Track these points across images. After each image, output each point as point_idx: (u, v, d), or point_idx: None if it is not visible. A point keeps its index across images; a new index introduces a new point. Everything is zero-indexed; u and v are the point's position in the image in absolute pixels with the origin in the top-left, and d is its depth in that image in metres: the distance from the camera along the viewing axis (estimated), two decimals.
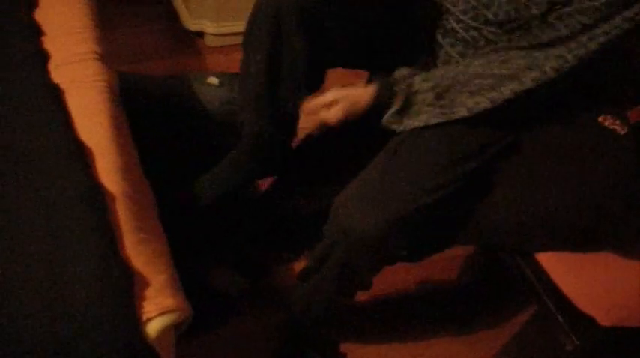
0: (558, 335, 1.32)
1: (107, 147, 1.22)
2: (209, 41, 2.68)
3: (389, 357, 1.78)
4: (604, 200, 1.32)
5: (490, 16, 1.32)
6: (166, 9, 2.83)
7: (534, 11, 1.25)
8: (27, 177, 1.11)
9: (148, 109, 1.92)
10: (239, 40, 2.61)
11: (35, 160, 1.14)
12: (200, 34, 2.70)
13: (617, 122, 1.39)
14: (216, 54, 2.67)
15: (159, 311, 1.04)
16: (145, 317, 1.02)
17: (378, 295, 1.86)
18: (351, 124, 1.48)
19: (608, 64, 1.40)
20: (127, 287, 1.02)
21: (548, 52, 1.24)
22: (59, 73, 1.35)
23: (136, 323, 1.00)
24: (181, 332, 1.15)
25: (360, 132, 1.56)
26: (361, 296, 1.76)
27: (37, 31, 1.43)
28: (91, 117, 1.27)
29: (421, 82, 1.36)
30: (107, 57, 1.49)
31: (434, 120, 1.35)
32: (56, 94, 1.27)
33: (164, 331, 1.05)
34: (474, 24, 1.35)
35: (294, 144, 1.84)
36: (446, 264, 1.98)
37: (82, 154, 1.17)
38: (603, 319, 1.28)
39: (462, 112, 1.32)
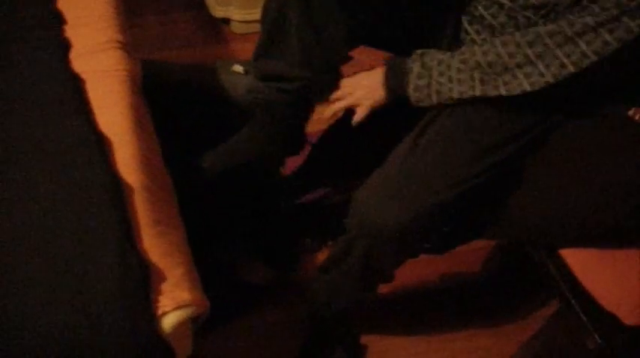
0: (581, 333, 1.30)
1: (127, 138, 1.22)
2: (235, 28, 2.67)
3: (410, 350, 1.77)
4: (633, 195, 1.29)
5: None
6: None
7: None
8: (44, 169, 1.12)
9: (172, 98, 1.92)
10: None
11: (53, 152, 1.14)
12: (226, 21, 2.70)
13: None
14: (242, 41, 2.66)
15: (175, 305, 1.03)
16: (160, 311, 1.02)
17: (400, 287, 1.84)
18: (375, 113, 1.47)
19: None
20: (143, 281, 1.02)
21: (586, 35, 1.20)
22: (80, 62, 1.35)
23: (152, 317, 1.00)
24: (204, 323, 1.15)
25: (385, 122, 1.54)
26: (383, 289, 1.74)
27: (58, 20, 1.43)
28: (112, 107, 1.26)
29: (438, 53, 1.35)
30: (131, 45, 1.49)
31: (468, 93, 1.31)
32: (76, 84, 1.27)
33: (180, 325, 1.04)
34: (512, 5, 1.30)
35: (318, 134, 1.83)
36: (469, 256, 1.95)
37: (101, 145, 1.17)
38: (627, 318, 1.26)
39: (499, 91, 1.28)
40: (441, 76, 1.33)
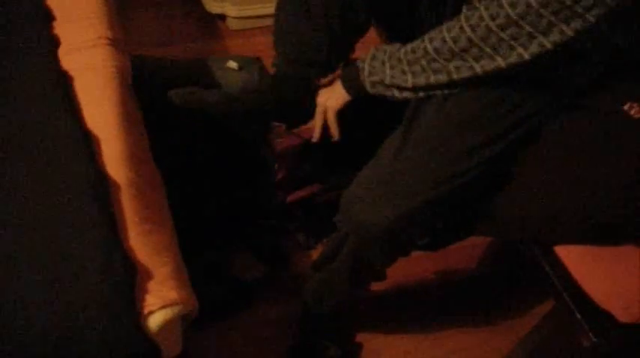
0: (575, 331, 1.29)
1: (114, 135, 1.21)
2: (231, 24, 2.67)
3: (404, 348, 1.76)
4: (628, 192, 1.28)
5: None
6: None
7: None
8: (29, 166, 1.11)
9: (164, 93, 1.90)
10: (261, 23, 2.63)
11: (39, 149, 1.13)
12: (222, 17, 2.69)
13: None
14: (238, 37, 2.66)
15: (161, 303, 1.02)
16: (146, 310, 1.01)
17: (394, 285, 1.83)
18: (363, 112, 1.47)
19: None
20: (128, 279, 1.01)
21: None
22: (69, 59, 1.33)
23: (137, 316, 0.99)
24: (195, 320, 1.14)
25: (374, 116, 1.54)
26: (378, 286, 1.74)
27: (47, 17, 1.42)
28: (99, 104, 1.25)
29: (389, 47, 1.35)
30: (121, 42, 1.47)
31: (425, 82, 1.29)
32: (63, 81, 1.26)
33: (167, 324, 1.03)
34: None
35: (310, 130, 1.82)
36: (464, 253, 1.95)
37: (87, 143, 1.15)
38: (622, 316, 1.25)
39: (451, 76, 1.26)
40: (393, 69, 1.32)
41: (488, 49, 1.18)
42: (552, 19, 1.10)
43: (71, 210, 1.05)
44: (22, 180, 1.09)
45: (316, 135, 1.54)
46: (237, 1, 2.59)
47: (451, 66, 1.23)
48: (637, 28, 1.26)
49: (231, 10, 2.62)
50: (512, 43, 1.15)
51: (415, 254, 1.49)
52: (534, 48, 1.14)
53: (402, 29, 1.48)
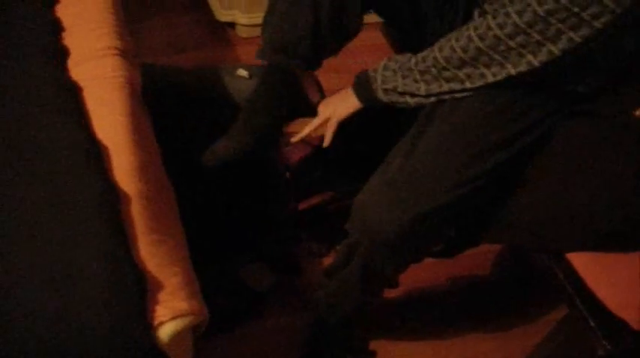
0: (590, 339, 1.27)
1: (124, 146, 1.21)
2: (240, 32, 2.67)
3: (419, 355, 1.75)
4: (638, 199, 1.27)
5: None
6: (198, 0, 2.83)
7: None
8: (39, 177, 1.10)
9: (174, 102, 1.91)
10: None
11: (49, 160, 1.13)
12: (232, 25, 2.69)
13: None
14: (248, 44, 2.66)
15: (172, 314, 1.02)
16: (157, 321, 1.00)
17: (407, 292, 1.83)
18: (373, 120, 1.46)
19: None
20: (138, 291, 1.00)
21: None
22: (78, 69, 1.34)
23: (147, 327, 0.98)
24: (207, 329, 1.14)
25: (384, 124, 1.53)
26: (391, 293, 1.74)
27: (57, 28, 1.42)
28: (109, 114, 1.25)
29: (401, 57, 1.36)
30: (131, 51, 1.48)
31: (437, 89, 1.31)
32: (73, 92, 1.26)
33: (178, 334, 1.03)
34: None
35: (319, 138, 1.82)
36: (477, 259, 1.94)
37: (97, 153, 1.15)
38: (636, 323, 1.24)
39: (464, 85, 1.28)
40: (405, 78, 1.33)
41: (497, 57, 1.18)
42: (560, 26, 1.10)
43: (81, 221, 1.05)
44: (31, 190, 1.09)
45: (327, 143, 1.54)
46: (246, 9, 2.59)
47: (462, 74, 1.24)
48: None
49: (240, 18, 2.63)
50: (521, 50, 1.16)
51: (427, 260, 1.49)
52: (543, 55, 1.15)
53: (412, 39, 1.48)
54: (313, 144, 1.92)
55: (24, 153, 1.14)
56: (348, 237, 1.42)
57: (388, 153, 1.39)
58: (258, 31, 2.63)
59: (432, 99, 1.33)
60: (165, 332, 1.01)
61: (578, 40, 1.11)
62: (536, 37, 1.13)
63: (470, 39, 1.20)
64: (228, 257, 1.83)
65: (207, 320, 1.11)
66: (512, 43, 1.16)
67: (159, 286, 1.04)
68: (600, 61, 1.26)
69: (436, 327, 1.81)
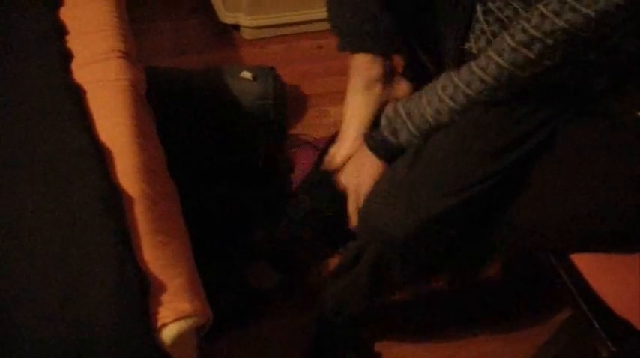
0: (594, 340, 1.27)
1: (127, 148, 1.21)
2: (245, 34, 2.67)
3: (424, 355, 1.75)
4: None
5: None
6: (202, 2, 2.83)
7: None
8: (44, 179, 1.11)
9: (179, 104, 1.92)
10: (274, 32, 2.64)
11: (52, 162, 1.14)
12: (236, 27, 2.70)
13: None
14: (252, 47, 2.67)
15: (175, 316, 1.02)
16: (160, 323, 1.01)
17: (412, 292, 1.83)
18: None
19: None
20: (141, 292, 1.01)
21: None
22: (82, 72, 1.35)
23: (150, 329, 0.99)
24: (211, 329, 1.14)
25: None
26: (396, 296, 1.74)
27: (60, 31, 1.43)
28: (112, 117, 1.26)
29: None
30: (134, 54, 1.48)
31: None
32: (77, 95, 1.27)
33: (181, 336, 1.03)
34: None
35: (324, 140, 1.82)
36: None
37: (100, 156, 1.16)
38: None
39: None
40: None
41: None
42: None
43: (84, 223, 1.05)
44: (35, 192, 1.09)
45: (354, 223, 1.42)
46: (250, 11, 2.60)
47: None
48: None
49: (244, 20, 2.63)
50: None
51: None
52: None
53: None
54: (318, 147, 1.93)
55: (28, 156, 1.15)
56: (357, 240, 1.42)
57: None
58: (262, 33, 2.66)
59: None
60: (169, 333, 1.01)
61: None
62: None
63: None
64: (232, 256, 1.84)
65: (211, 321, 1.11)
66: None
67: (162, 287, 1.05)
68: (604, 60, 1.26)
69: (441, 328, 1.81)
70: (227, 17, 2.66)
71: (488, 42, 1.34)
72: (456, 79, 1.24)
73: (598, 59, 1.25)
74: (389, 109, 1.35)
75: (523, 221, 1.34)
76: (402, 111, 1.32)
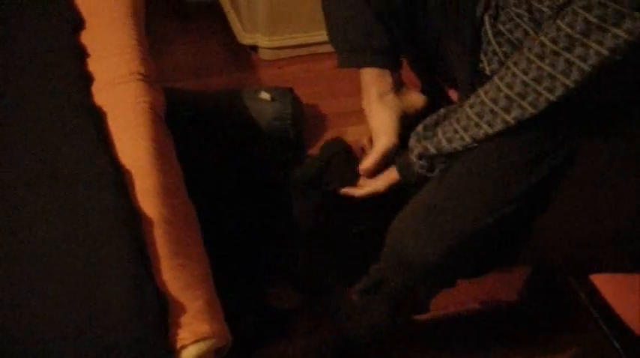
0: None
1: (147, 170, 1.22)
2: (263, 55, 2.69)
3: None
4: None
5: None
6: (222, 23, 2.85)
7: None
8: (64, 201, 1.12)
9: (197, 126, 1.93)
10: (293, 53, 2.66)
11: (72, 184, 1.15)
12: (254, 48, 2.71)
13: None
14: (271, 67, 2.68)
15: (194, 338, 1.02)
16: (179, 345, 1.01)
17: (433, 314, 1.81)
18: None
19: None
20: (160, 314, 1.01)
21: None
22: (102, 95, 1.36)
23: (169, 351, 0.99)
24: (232, 350, 1.14)
25: None
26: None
27: (81, 53, 1.45)
28: (132, 139, 1.27)
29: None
30: (154, 76, 1.50)
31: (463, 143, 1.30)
32: (96, 117, 1.28)
33: None
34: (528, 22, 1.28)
35: None
36: (503, 281, 1.92)
37: (120, 177, 1.17)
38: None
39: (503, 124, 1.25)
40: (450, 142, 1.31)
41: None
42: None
43: (104, 245, 1.06)
44: (55, 214, 1.10)
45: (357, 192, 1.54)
46: (268, 32, 2.61)
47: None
48: None
49: (262, 41, 2.65)
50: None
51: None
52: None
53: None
54: None
55: (48, 178, 1.16)
56: (381, 263, 1.42)
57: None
58: (280, 54, 2.67)
59: None
60: (188, 355, 1.01)
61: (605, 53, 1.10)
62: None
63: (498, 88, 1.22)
64: (252, 278, 1.84)
65: (230, 343, 1.11)
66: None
67: (181, 309, 1.05)
68: (622, 77, 1.26)
69: (461, 349, 1.80)
70: (245, 38, 2.68)
71: (501, 63, 1.34)
72: (491, 104, 1.24)
73: (617, 74, 1.24)
74: (414, 143, 1.36)
75: (544, 240, 1.34)
76: (432, 149, 1.33)
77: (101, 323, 0.98)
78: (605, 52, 1.08)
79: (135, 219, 1.11)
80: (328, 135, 2.34)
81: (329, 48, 2.58)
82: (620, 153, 1.32)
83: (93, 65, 1.43)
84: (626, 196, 1.27)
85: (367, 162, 1.46)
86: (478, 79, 1.37)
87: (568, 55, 1.12)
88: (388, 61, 1.47)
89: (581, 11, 1.08)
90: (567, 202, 1.32)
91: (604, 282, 1.32)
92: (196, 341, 1.03)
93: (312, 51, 2.68)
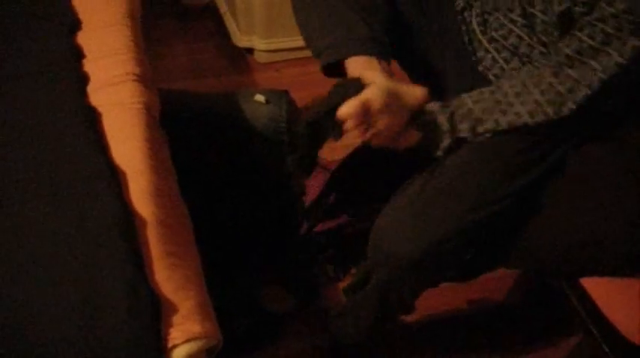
0: None
1: (141, 171, 1.22)
2: (259, 57, 2.70)
3: None
4: None
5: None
6: (218, 26, 2.86)
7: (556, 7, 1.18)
8: (57, 201, 1.12)
9: (192, 127, 1.93)
10: (289, 55, 2.67)
11: (66, 184, 1.15)
12: (250, 51, 2.72)
13: None
14: (266, 70, 2.69)
15: (185, 337, 1.02)
16: (170, 344, 1.01)
17: (422, 316, 1.82)
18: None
19: None
20: (153, 314, 1.01)
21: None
22: (97, 95, 1.36)
23: (161, 350, 0.99)
24: (224, 353, 1.14)
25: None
26: (406, 318, 1.74)
27: (77, 54, 1.45)
28: (126, 140, 1.27)
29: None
30: (149, 77, 1.50)
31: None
32: (91, 118, 1.28)
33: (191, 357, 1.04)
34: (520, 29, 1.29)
35: (337, 162, 1.83)
36: (492, 285, 1.93)
37: (113, 178, 1.17)
38: None
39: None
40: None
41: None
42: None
43: (98, 245, 1.06)
44: (49, 214, 1.11)
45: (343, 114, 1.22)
46: (265, 35, 2.62)
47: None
48: None
49: (259, 44, 2.66)
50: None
51: (443, 285, 1.49)
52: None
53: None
54: (331, 170, 1.94)
55: (42, 178, 1.16)
56: (367, 260, 1.42)
57: (404, 176, 1.39)
58: (276, 57, 2.68)
59: None
60: (179, 355, 1.01)
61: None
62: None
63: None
64: (245, 280, 1.85)
65: (222, 343, 1.11)
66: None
67: (173, 309, 1.05)
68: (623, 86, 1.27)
69: (451, 352, 1.81)
70: (242, 41, 2.69)
71: (502, 69, 1.35)
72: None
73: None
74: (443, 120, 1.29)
75: (533, 244, 1.35)
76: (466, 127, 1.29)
77: (96, 323, 0.98)
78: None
79: (128, 218, 1.12)
80: None
81: None
82: (613, 159, 1.33)
83: (89, 66, 1.43)
84: (617, 201, 1.28)
85: (347, 105, 1.19)
86: (479, 82, 1.36)
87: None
88: (375, 48, 1.30)
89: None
90: (558, 206, 1.33)
91: (594, 286, 1.32)
92: (187, 341, 1.03)
93: (308, 54, 2.66)
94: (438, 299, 1.82)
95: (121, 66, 1.43)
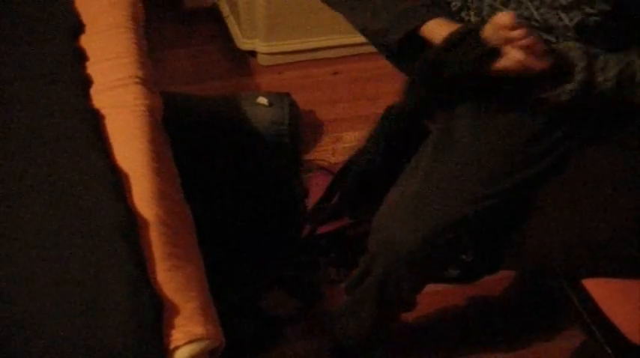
0: None
1: (143, 173, 1.23)
2: (262, 60, 2.71)
3: None
4: None
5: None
6: (220, 29, 2.87)
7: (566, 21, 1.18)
8: (60, 203, 1.13)
9: (195, 130, 1.94)
10: (291, 58, 2.67)
11: (69, 186, 1.16)
12: (253, 54, 2.73)
13: None
14: (269, 73, 2.70)
15: (187, 339, 1.03)
16: (172, 345, 1.01)
17: (424, 316, 1.82)
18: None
19: None
20: (155, 315, 1.02)
21: None
22: (100, 98, 1.37)
23: (163, 352, 1.00)
24: (226, 355, 1.14)
25: (405, 152, 1.54)
26: (408, 317, 1.74)
27: (80, 57, 1.46)
28: (129, 142, 1.28)
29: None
30: (152, 80, 1.51)
31: None
32: (94, 120, 1.29)
33: None
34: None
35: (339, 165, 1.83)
36: (494, 286, 1.93)
37: (116, 180, 1.18)
38: None
39: None
40: None
41: None
42: None
43: (100, 247, 1.07)
44: (53, 216, 1.11)
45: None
46: (267, 38, 2.63)
47: None
48: None
49: (261, 47, 2.66)
50: None
51: (443, 285, 1.49)
52: None
53: None
54: (333, 172, 1.94)
55: (45, 180, 1.17)
56: (367, 253, 1.43)
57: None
58: (278, 60, 2.69)
59: None
60: (181, 356, 1.02)
61: None
62: None
63: None
64: (247, 282, 1.85)
65: (224, 345, 1.12)
66: None
67: (175, 310, 1.05)
68: None
69: (454, 352, 1.80)
70: (244, 44, 2.70)
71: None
72: None
73: None
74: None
75: (532, 243, 1.35)
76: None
77: (98, 324, 0.98)
78: None
79: (131, 220, 1.12)
80: (325, 141, 2.35)
81: (327, 54, 2.60)
82: (614, 160, 1.33)
83: (92, 69, 1.44)
84: (619, 202, 1.29)
85: (506, 14, 1.10)
86: None
87: None
88: (444, 10, 1.26)
89: None
90: (559, 207, 1.33)
91: (596, 287, 1.33)
92: (189, 342, 1.03)
93: (311, 57, 2.69)
94: (438, 299, 1.82)
95: (124, 69, 1.44)
